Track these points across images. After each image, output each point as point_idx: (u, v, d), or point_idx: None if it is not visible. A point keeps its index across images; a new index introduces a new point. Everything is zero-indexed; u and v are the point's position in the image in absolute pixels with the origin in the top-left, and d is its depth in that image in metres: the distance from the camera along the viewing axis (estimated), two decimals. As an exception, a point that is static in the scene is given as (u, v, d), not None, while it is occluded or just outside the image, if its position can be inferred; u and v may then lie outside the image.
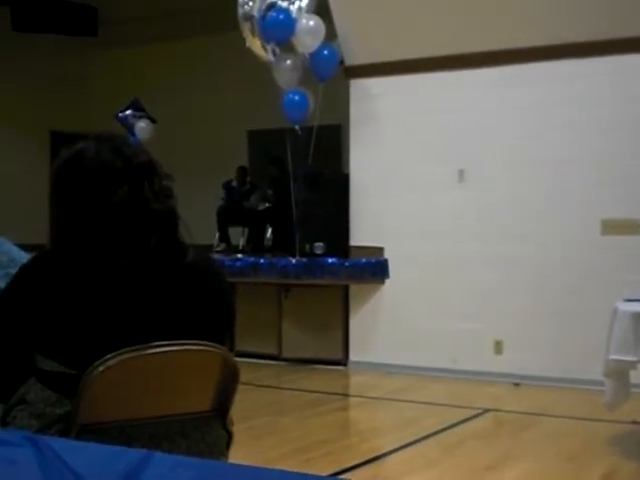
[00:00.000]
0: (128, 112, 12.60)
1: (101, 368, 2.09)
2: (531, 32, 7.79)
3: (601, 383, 5.45)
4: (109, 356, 2.08)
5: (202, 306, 2.29)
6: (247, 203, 12.48)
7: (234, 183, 12.80)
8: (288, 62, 8.70)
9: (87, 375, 2.08)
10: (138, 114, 12.58)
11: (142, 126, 12.48)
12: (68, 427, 2.12)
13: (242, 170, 12.92)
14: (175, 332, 2.20)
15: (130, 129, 12.45)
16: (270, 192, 12.05)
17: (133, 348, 2.11)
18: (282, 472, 1.40)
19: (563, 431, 6.17)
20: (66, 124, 13.91)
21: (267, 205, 12.03)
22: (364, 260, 8.56)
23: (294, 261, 8.76)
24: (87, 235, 2.15)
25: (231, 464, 1.55)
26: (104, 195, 2.16)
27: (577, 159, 7.70)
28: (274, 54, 8.71)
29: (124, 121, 12.58)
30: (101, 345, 2.08)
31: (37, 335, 2.11)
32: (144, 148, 2.37)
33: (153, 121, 12.69)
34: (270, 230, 11.88)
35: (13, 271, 2.36)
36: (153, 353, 2.16)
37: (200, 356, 2.29)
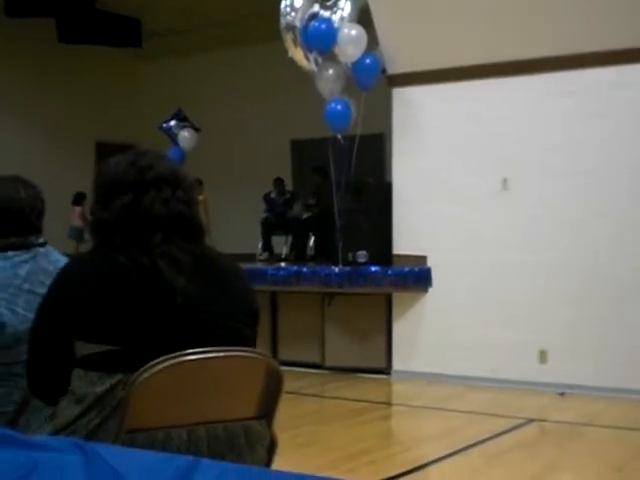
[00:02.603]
0: (172, 122, 12.70)
1: (146, 374, 2.13)
2: (576, 39, 7.73)
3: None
4: (153, 362, 2.14)
5: (227, 296, 2.39)
6: (291, 212, 12.52)
7: (273, 194, 12.86)
8: (330, 71, 8.71)
9: (133, 380, 2.13)
10: (182, 124, 12.67)
11: (185, 136, 12.56)
12: (109, 410, 2.21)
13: (279, 181, 12.99)
14: (206, 329, 2.29)
15: (174, 139, 12.55)
16: (312, 201, 12.08)
17: (177, 354, 2.17)
18: (325, 479, 1.40)
19: (610, 441, 6.10)
20: (111, 135, 14.07)
21: (309, 214, 12.05)
22: (407, 269, 8.54)
23: (337, 270, 8.76)
24: (104, 238, 2.37)
25: (276, 471, 1.55)
26: (111, 202, 2.36)
27: (618, 167, 7.61)
28: (316, 64, 8.74)
29: (168, 131, 12.68)
30: (136, 320, 2.25)
31: (76, 324, 2.29)
32: (169, 162, 2.52)
33: (197, 130, 12.78)
34: (313, 239, 11.90)
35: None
36: (197, 359, 2.19)
37: (244, 362, 2.31)
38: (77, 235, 13.87)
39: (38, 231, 3.25)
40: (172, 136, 12.57)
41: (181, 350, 2.19)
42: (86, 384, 2.26)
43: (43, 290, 3.00)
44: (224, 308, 2.35)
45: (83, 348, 2.28)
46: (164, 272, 2.26)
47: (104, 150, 13.54)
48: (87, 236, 13.56)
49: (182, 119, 12.76)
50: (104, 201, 2.38)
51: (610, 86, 7.66)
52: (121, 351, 2.23)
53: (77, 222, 14.00)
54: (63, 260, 3.21)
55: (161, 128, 12.70)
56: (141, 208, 2.34)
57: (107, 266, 2.30)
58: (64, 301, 2.33)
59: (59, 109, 14.81)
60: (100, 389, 2.24)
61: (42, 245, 3.23)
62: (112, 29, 15.12)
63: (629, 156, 7.60)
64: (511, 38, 8.01)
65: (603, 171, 7.69)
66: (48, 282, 3.01)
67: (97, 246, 2.43)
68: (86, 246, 13.19)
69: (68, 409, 2.30)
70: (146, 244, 2.30)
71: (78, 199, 14.02)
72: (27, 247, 3.17)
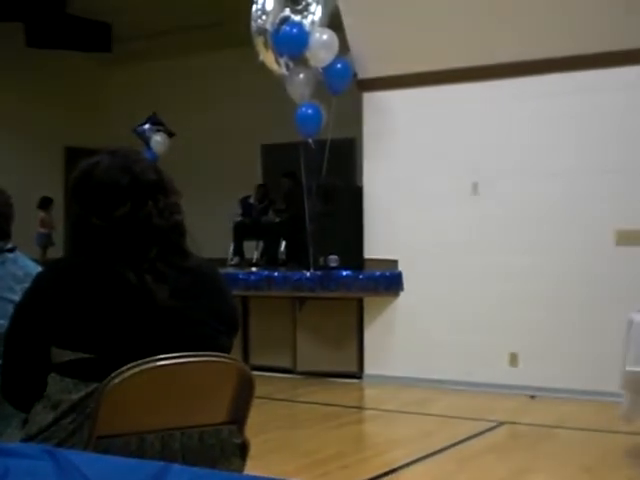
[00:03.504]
0: (146, 126, 12.69)
1: (117, 380, 2.12)
2: (544, 44, 7.79)
3: (618, 395, 5.42)
4: (124, 368, 2.13)
5: (207, 307, 2.38)
6: (265, 218, 12.52)
7: (252, 200, 12.85)
8: (301, 76, 8.71)
9: (103, 386, 2.12)
10: (155, 128, 12.66)
11: (158, 140, 12.56)
12: (82, 419, 2.19)
13: (262, 187, 12.98)
14: (182, 338, 2.28)
15: (147, 143, 12.54)
16: (282, 206, 12.09)
17: (148, 360, 2.17)
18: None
19: (580, 444, 6.14)
20: (80, 140, 13.99)
21: (279, 219, 12.05)
22: (378, 273, 8.55)
23: (308, 274, 8.76)
24: (90, 245, 2.32)
25: (248, 476, 1.55)
26: (107, 210, 2.30)
27: (590, 170, 7.68)
28: (287, 68, 8.73)
29: (141, 134, 12.67)
30: (113, 329, 2.23)
31: (53, 331, 2.26)
32: (155, 165, 2.49)
33: (171, 135, 12.77)
34: (284, 243, 11.90)
35: (28, 285, 2.41)
36: (168, 364, 2.19)
37: (216, 367, 2.31)
38: (44, 241, 13.74)
39: (7, 236, 3.23)
40: (145, 139, 12.56)
41: None
42: (61, 390, 2.25)
43: (12, 295, 2.99)
44: (202, 317, 2.34)
45: (60, 354, 2.26)
46: (148, 286, 2.25)
47: (73, 154, 13.45)
48: (55, 241, 13.51)
49: (156, 123, 12.76)
50: (97, 208, 2.33)
51: (579, 90, 7.73)
52: (97, 359, 2.21)
53: (41, 229, 13.85)
54: (32, 265, 3.19)
55: (135, 131, 12.68)
56: (140, 219, 2.30)
57: (88, 275, 2.27)
58: (41, 307, 2.30)
59: (27, 114, 14.70)
60: (75, 396, 2.22)
61: (11, 250, 3.20)
62: (82, 34, 15.03)
63: (600, 159, 7.66)
64: (480, 43, 8.06)
65: (573, 174, 7.74)
66: (17, 288, 3.00)
67: (76, 251, 2.40)
68: (54, 251, 13.12)
69: (42, 415, 2.28)
70: (137, 258, 2.28)
71: (44, 203, 13.89)
72: (-5, 252, 3.15)
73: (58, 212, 13.33)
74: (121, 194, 2.32)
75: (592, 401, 7.30)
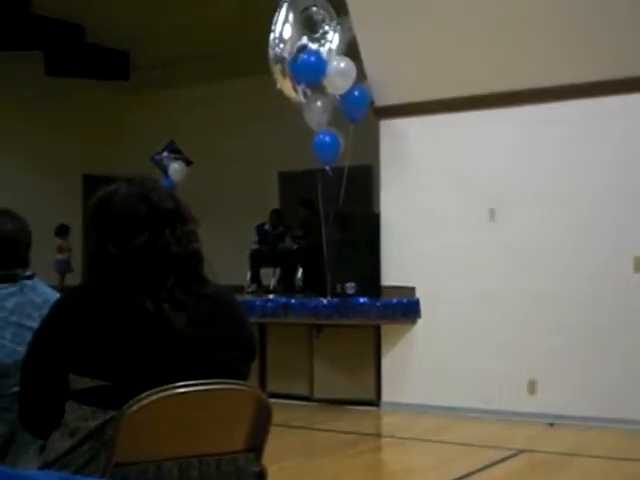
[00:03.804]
0: (164, 154, 12.75)
1: (135, 407, 2.12)
2: (561, 70, 7.79)
3: (638, 422, 5.37)
4: (142, 395, 2.13)
5: (225, 334, 2.37)
6: (281, 245, 12.51)
7: (267, 226, 12.86)
8: (319, 103, 8.73)
9: (122, 414, 2.12)
10: (173, 156, 12.72)
11: (176, 168, 12.62)
12: (100, 446, 2.18)
13: (276, 213, 12.98)
14: (200, 365, 2.29)
15: (165, 171, 12.59)
16: (299, 233, 12.09)
17: (166, 387, 2.16)
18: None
19: (599, 472, 6.08)
20: (98, 167, 14.07)
21: (296, 246, 12.05)
22: (395, 300, 8.53)
23: (325, 301, 8.75)
24: (109, 272, 2.32)
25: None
26: (125, 239, 2.31)
27: (609, 196, 7.65)
28: (305, 95, 8.77)
29: (159, 163, 12.73)
30: (131, 357, 2.23)
31: (71, 358, 2.26)
32: (173, 193, 2.50)
33: (189, 163, 12.83)
34: (301, 271, 11.88)
35: (47, 312, 2.42)
36: (186, 392, 2.18)
37: (234, 395, 2.30)
38: (62, 267, 13.80)
39: (25, 264, 3.24)
40: (163, 168, 12.62)
41: None
42: (79, 418, 2.25)
43: (31, 323, 2.99)
44: (220, 345, 2.34)
45: (77, 382, 2.26)
46: (166, 314, 2.25)
47: (91, 182, 13.51)
48: (74, 267, 13.55)
49: (174, 151, 12.82)
50: (115, 237, 2.33)
51: (598, 115, 7.72)
52: (115, 387, 2.21)
53: (59, 255, 13.91)
54: (51, 292, 3.20)
55: (152, 159, 12.74)
56: (158, 248, 2.31)
57: (106, 303, 2.28)
58: (59, 334, 2.30)
59: (46, 141, 14.80)
60: (93, 424, 2.22)
61: (29, 278, 3.21)
62: (100, 62, 15.17)
63: (617, 184, 7.63)
64: (497, 70, 8.07)
65: (590, 200, 7.72)
66: (36, 315, 3.01)
67: (94, 279, 2.40)
68: (72, 277, 13.16)
69: (59, 442, 2.27)
70: (155, 287, 2.28)
71: (61, 231, 13.96)
72: (14, 280, 3.16)
73: (76, 239, 13.37)
74: (139, 223, 2.33)
75: (611, 429, 7.24)
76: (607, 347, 7.55)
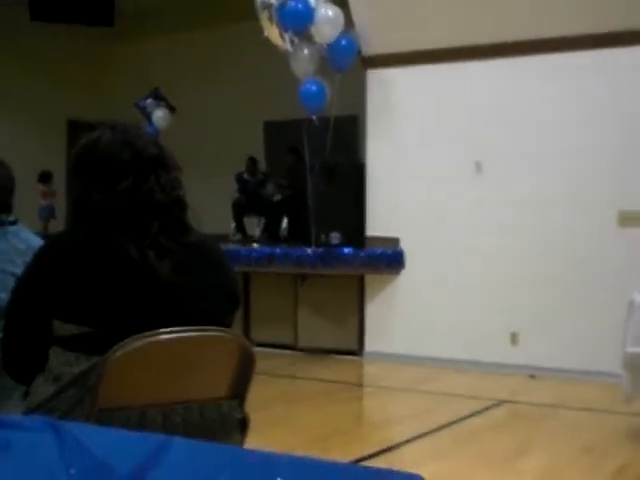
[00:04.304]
0: (148, 101, 12.65)
1: (119, 353, 2.13)
2: (551, 23, 7.75)
3: (618, 375, 5.43)
4: (126, 341, 2.14)
5: (209, 282, 2.38)
6: (263, 191, 12.49)
7: (245, 175, 12.83)
8: (306, 52, 8.67)
9: (105, 359, 2.12)
10: (158, 102, 12.62)
11: (160, 115, 12.53)
12: (84, 391, 2.19)
13: (252, 161, 12.93)
14: (184, 312, 2.29)
15: (148, 117, 12.50)
16: (285, 182, 12.06)
17: (149, 333, 2.17)
18: (296, 457, 1.41)
19: (579, 423, 6.16)
20: (83, 113, 13.95)
21: (281, 196, 12.03)
22: (380, 250, 8.56)
23: (310, 251, 8.76)
24: (93, 219, 2.31)
25: (248, 449, 1.55)
26: (109, 185, 2.30)
27: (594, 151, 7.66)
28: (292, 43, 8.69)
29: (143, 109, 12.63)
30: (115, 303, 2.23)
31: (55, 304, 2.26)
32: (157, 140, 2.49)
33: (173, 110, 12.73)
34: (286, 220, 11.88)
35: (30, 258, 2.41)
36: (170, 338, 2.19)
37: (217, 342, 2.31)
38: (46, 214, 13.76)
39: (8, 209, 3.22)
40: (146, 114, 12.52)
41: None
42: (63, 363, 2.25)
43: (14, 268, 2.98)
44: (204, 292, 2.34)
45: (61, 328, 2.26)
46: (150, 262, 2.24)
47: (75, 128, 13.41)
48: (57, 214, 13.50)
49: (159, 98, 12.71)
50: (99, 182, 2.32)
51: (584, 70, 7.70)
52: (99, 333, 2.21)
53: (43, 201, 13.85)
54: (34, 238, 3.19)
55: (136, 105, 12.65)
56: (142, 194, 2.30)
57: (90, 249, 2.27)
58: (43, 280, 2.29)
59: (30, 87, 14.65)
60: (77, 369, 2.22)
61: (13, 223, 3.20)
62: (85, 7, 14.98)
63: (602, 139, 7.64)
64: (487, 20, 8.02)
65: (576, 153, 7.73)
66: (19, 261, 2.99)
67: (77, 226, 2.38)
68: (56, 224, 13.12)
69: (43, 387, 2.28)
70: (139, 233, 2.27)
71: (44, 178, 13.88)
72: (-2, 225, 3.14)
73: (59, 186, 13.30)
74: (123, 169, 2.31)
75: (592, 381, 7.32)
76: (590, 300, 7.61)
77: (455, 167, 8.26)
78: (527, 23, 7.85)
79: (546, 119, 7.89)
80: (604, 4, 7.51)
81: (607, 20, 7.49)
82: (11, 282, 2.54)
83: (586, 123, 7.73)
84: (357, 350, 8.77)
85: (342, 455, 5.12)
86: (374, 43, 8.64)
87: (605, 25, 7.51)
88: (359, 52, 8.73)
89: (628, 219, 7.49)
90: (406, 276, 8.53)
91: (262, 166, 13.47)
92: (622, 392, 5.37)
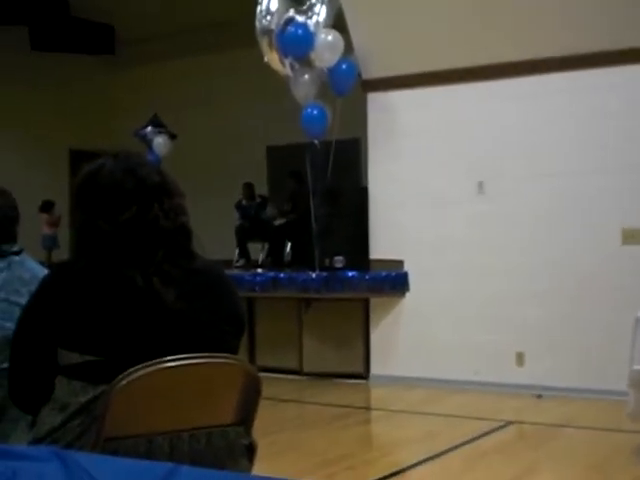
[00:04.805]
0: (147, 129, 12.68)
1: (125, 382, 2.12)
2: (548, 43, 7.77)
3: (624, 393, 5.41)
4: (132, 369, 2.13)
5: (214, 308, 2.37)
6: (264, 213, 12.52)
7: (244, 201, 12.87)
8: (306, 77, 8.70)
9: (111, 388, 2.12)
10: (157, 130, 12.64)
11: (160, 142, 12.55)
12: (90, 421, 2.19)
13: (247, 186, 12.97)
14: (189, 339, 2.28)
15: (149, 145, 12.52)
16: (288, 206, 12.07)
17: (155, 362, 2.16)
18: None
19: (587, 442, 6.13)
20: (85, 142, 13.99)
21: (284, 220, 12.04)
22: (384, 273, 8.55)
23: (314, 275, 8.76)
24: (97, 248, 2.31)
25: (256, 476, 1.55)
26: (113, 213, 2.30)
27: (596, 169, 7.66)
28: (292, 69, 8.73)
29: (143, 137, 12.66)
30: (120, 332, 2.23)
31: (61, 333, 2.26)
32: (158, 167, 2.50)
33: (173, 136, 12.75)
34: (289, 245, 11.89)
35: (35, 288, 2.41)
36: (176, 366, 2.19)
37: (223, 368, 2.31)
38: (49, 243, 13.78)
39: (13, 239, 3.23)
40: (147, 142, 12.55)
41: None
42: (69, 393, 2.25)
43: (19, 298, 2.99)
44: (209, 319, 2.34)
45: (67, 357, 2.25)
46: (156, 289, 2.25)
47: (78, 157, 13.46)
48: (60, 243, 13.52)
49: (158, 125, 12.74)
50: (102, 211, 2.32)
51: (588, 88, 7.71)
52: (105, 362, 2.21)
53: (46, 230, 13.88)
54: (39, 268, 3.19)
55: (136, 134, 12.67)
56: (146, 222, 2.30)
57: (95, 278, 2.27)
58: (48, 309, 2.29)
59: (32, 117, 14.72)
60: (83, 399, 2.22)
61: (17, 253, 3.20)
62: (85, 36, 15.06)
63: (606, 157, 7.64)
64: (486, 42, 8.04)
65: (578, 172, 7.73)
66: (24, 290, 3.00)
67: (82, 255, 2.38)
68: (59, 253, 13.13)
69: (50, 417, 2.28)
70: (144, 261, 2.27)
71: (46, 207, 13.92)
72: (2, 255, 3.15)
73: (63, 215, 13.33)
74: (126, 197, 2.32)
75: (599, 400, 7.29)
76: (595, 319, 7.59)
77: (457, 188, 8.26)
78: (526, 44, 7.87)
79: (548, 138, 7.90)
80: (600, 24, 7.54)
81: (605, 38, 7.51)
82: (17, 312, 2.54)
83: (590, 142, 7.73)
84: (363, 373, 8.74)
85: None
86: (374, 67, 8.67)
87: (603, 43, 7.52)
88: (359, 76, 8.76)
89: (631, 237, 7.49)
90: (411, 298, 8.52)
91: (263, 190, 13.51)
92: (628, 410, 5.34)
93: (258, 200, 12.83)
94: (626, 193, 7.55)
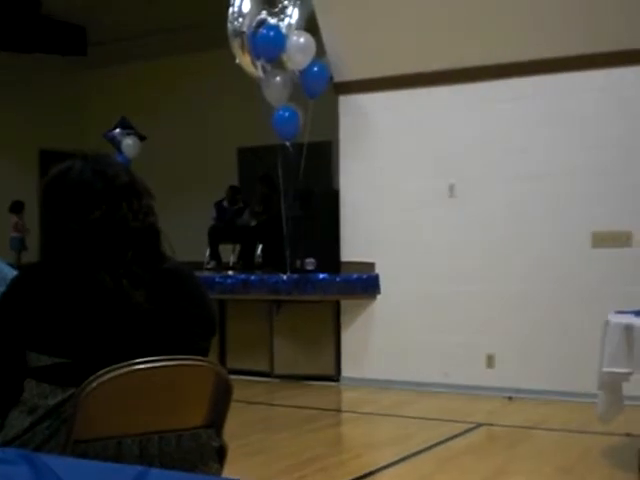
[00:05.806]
0: (116, 130, 12.61)
1: (94, 384, 2.11)
2: (518, 47, 7.81)
3: (594, 395, 5.44)
4: (102, 372, 2.12)
5: (184, 310, 2.37)
6: (240, 220, 12.49)
7: (225, 203, 12.82)
8: (278, 79, 8.70)
9: (81, 391, 2.11)
10: (126, 131, 12.58)
11: (129, 143, 12.47)
12: (59, 423, 2.18)
13: (233, 189, 12.94)
14: (159, 341, 2.28)
15: (118, 147, 12.46)
16: (259, 208, 12.06)
17: (125, 364, 2.16)
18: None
19: (557, 444, 6.16)
20: (55, 143, 13.92)
21: (255, 222, 12.02)
22: (355, 275, 8.55)
23: (285, 277, 8.75)
24: (66, 249, 2.30)
25: (226, 479, 1.54)
26: (82, 213, 2.30)
27: (566, 173, 7.71)
28: (264, 71, 8.72)
29: (112, 139, 12.59)
30: (89, 334, 2.22)
31: (30, 336, 2.24)
32: (127, 168, 2.50)
33: (142, 138, 12.69)
34: (260, 247, 11.88)
35: (3, 289, 2.39)
36: (145, 368, 2.18)
37: (193, 370, 2.30)
38: (17, 245, 13.67)
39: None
40: (116, 144, 12.49)
41: None
42: (38, 396, 2.23)
43: (-13, 300, 2.95)
44: (179, 321, 2.33)
45: (36, 359, 2.24)
46: (125, 291, 2.24)
47: (48, 158, 13.36)
48: (28, 244, 13.43)
49: (126, 127, 12.68)
50: (71, 211, 2.32)
51: (556, 92, 7.76)
52: (74, 364, 2.20)
53: (14, 232, 13.77)
54: (8, 270, 3.16)
55: (105, 136, 12.61)
56: (115, 222, 2.30)
57: (64, 279, 2.26)
58: (16, 311, 2.28)
59: (2, 117, 14.61)
60: (52, 401, 2.21)
61: (-15, 254, 3.17)
62: (57, 37, 14.96)
63: (577, 161, 7.68)
64: (455, 45, 8.07)
65: (548, 176, 7.77)
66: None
67: (50, 256, 2.38)
68: (27, 255, 13.04)
69: (18, 420, 2.27)
70: (113, 262, 2.26)
71: (16, 207, 13.81)
72: (-30, 256, 3.12)
73: (32, 216, 13.25)
74: (95, 197, 2.31)
75: (569, 402, 7.33)
76: (565, 321, 7.64)
77: (429, 190, 8.28)
78: (498, 47, 7.91)
79: (519, 142, 7.94)
80: (573, 28, 7.58)
81: (577, 43, 7.56)
82: (-16, 314, 2.51)
83: (557, 146, 7.78)
84: (334, 376, 8.74)
85: (321, 482, 5.10)
86: (346, 69, 8.68)
87: (575, 48, 7.58)
88: (331, 78, 8.76)
89: (601, 240, 7.54)
90: (382, 301, 8.53)
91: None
92: (598, 412, 5.37)
93: (240, 205, 12.78)
94: (595, 196, 7.60)
